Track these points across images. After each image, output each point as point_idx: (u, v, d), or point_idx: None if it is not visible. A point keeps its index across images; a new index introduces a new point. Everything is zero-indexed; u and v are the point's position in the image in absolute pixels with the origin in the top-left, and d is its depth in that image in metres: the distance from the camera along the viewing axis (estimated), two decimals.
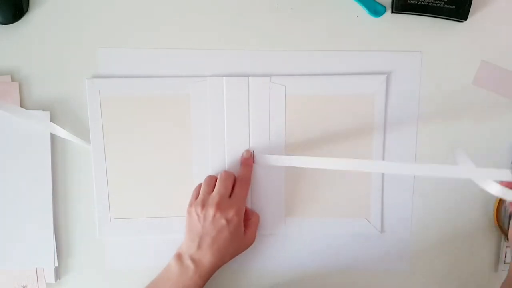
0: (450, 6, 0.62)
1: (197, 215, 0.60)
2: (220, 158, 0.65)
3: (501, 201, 0.66)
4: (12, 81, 0.64)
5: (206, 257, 0.60)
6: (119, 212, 0.66)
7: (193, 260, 0.60)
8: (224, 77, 0.64)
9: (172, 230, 0.66)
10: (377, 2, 0.63)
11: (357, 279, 0.67)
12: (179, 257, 0.61)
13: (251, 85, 0.64)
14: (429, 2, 0.62)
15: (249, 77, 0.64)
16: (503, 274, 0.67)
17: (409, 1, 0.62)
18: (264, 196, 0.66)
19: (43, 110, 0.64)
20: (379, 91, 0.64)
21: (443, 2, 0.62)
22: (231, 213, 0.60)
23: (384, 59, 0.64)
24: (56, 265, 0.66)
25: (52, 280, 0.66)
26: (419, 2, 0.62)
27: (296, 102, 0.64)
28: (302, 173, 0.65)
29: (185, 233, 0.62)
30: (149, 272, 0.66)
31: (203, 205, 0.61)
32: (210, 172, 0.65)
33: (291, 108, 0.64)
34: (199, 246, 0.60)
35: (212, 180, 0.63)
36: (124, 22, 0.64)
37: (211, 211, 0.60)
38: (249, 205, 0.66)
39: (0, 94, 0.64)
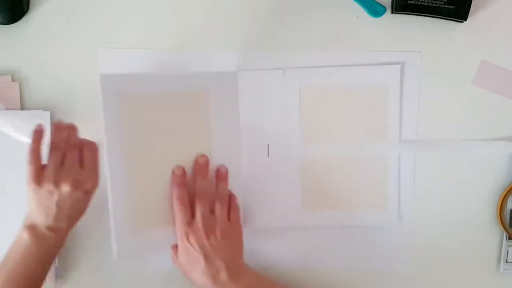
0: (450, 6, 0.62)
1: (49, 192, 0.56)
2: (235, 151, 0.64)
3: (505, 198, 0.66)
4: (12, 81, 0.64)
5: (64, 224, 0.58)
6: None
7: (51, 229, 0.57)
8: (238, 72, 0.64)
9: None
10: (377, 2, 0.63)
11: (357, 279, 0.67)
12: (32, 229, 0.57)
13: (265, 79, 0.64)
14: (429, 2, 0.62)
15: (263, 71, 0.64)
16: (505, 274, 0.67)
17: (409, 1, 0.62)
18: (280, 189, 0.65)
19: (44, 110, 0.64)
20: (394, 83, 0.64)
21: (443, 2, 0.62)
22: (88, 185, 0.57)
23: (384, 59, 0.64)
24: (57, 265, 0.66)
25: (52, 280, 0.66)
26: (419, 2, 0.62)
27: (310, 94, 0.64)
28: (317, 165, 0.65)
29: (32, 207, 0.57)
30: (150, 272, 0.66)
31: (55, 181, 0.56)
32: (226, 164, 0.63)
33: (305, 100, 0.64)
34: (55, 218, 0.57)
35: (58, 154, 0.57)
36: (125, 21, 0.64)
37: (66, 188, 0.56)
38: (261, 198, 0.66)
39: (0, 94, 0.63)
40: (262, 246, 0.66)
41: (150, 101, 0.60)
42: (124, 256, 0.59)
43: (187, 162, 0.61)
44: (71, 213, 0.58)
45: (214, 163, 0.63)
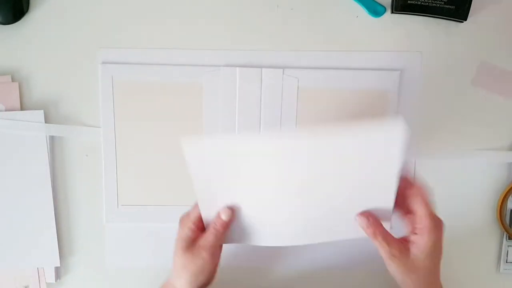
0: (450, 6, 0.62)
1: (201, 258, 0.56)
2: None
3: (505, 198, 0.66)
4: (12, 81, 0.64)
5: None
6: (127, 199, 0.66)
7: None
8: (237, 68, 0.64)
9: (178, 219, 0.65)
10: (377, 2, 0.63)
11: (357, 279, 0.67)
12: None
13: (264, 77, 0.64)
14: (429, 2, 0.62)
15: (263, 69, 0.64)
16: (505, 274, 0.67)
17: (409, 1, 0.62)
18: None
19: (44, 110, 0.64)
20: (392, 88, 0.64)
21: (443, 2, 0.62)
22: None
23: (384, 59, 0.64)
24: (58, 264, 0.66)
25: (52, 280, 0.66)
26: (419, 2, 0.62)
27: (308, 95, 0.64)
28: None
29: (177, 270, 0.57)
30: (149, 271, 0.66)
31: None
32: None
33: (303, 101, 0.64)
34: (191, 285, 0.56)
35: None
36: (126, 21, 0.64)
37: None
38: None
39: (0, 94, 0.63)
40: (254, 246, 0.66)
41: (146, 89, 0.64)
42: (110, 223, 0.66)
43: (176, 150, 0.62)
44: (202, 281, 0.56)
45: None
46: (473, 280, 0.67)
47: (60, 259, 0.66)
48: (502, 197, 0.66)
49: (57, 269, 0.66)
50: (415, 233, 0.53)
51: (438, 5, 0.62)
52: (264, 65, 0.64)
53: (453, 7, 0.62)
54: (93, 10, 0.64)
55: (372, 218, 0.55)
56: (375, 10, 0.63)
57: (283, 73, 0.64)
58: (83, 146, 0.65)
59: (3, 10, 0.62)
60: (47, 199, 0.65)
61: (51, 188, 0.65)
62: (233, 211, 0.56)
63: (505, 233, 0.66)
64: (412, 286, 0.54)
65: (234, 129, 0.65)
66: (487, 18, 0.64)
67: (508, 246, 0.66)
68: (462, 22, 0.63)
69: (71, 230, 0.66)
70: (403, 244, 0.54)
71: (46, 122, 0.64)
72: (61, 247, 0.66)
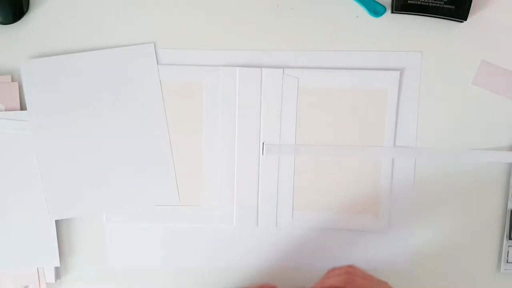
0: (450, 6, 0.62)
1: None
2: (230, 149, 0.65)
3: (505, 198, 0.66)
4: (12, 81, 0.64)
5: None
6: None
7: None
8: (237, 68, 0.64)
9: (178, 219, 0.66)
10: (377, 2, 0.63)
11: None
12: None
13: (264, 77, 0.64)
14: (429, 2, 0.62)
15: (263, 68, 0.64)
16: (506, 274, 0.67)
17: (409, 1, 0.62)
18: (272, 189, 0.65)
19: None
20: (392, 87, 0.64)
21: (443, 2, 0.62)
22: None
23: (384, 59, 0.64)
24: (58, 264, 0.66)
25: (52, 280, 0.66)
26: (419, 2, 0.62)
27: (308, 95, 0.64)
28: (311, 166, 0.65)
29: None
30: (149, 271, 0.66)
31: None
32: (220, 162, 0.65)
33: (303, 100, 0.64)
34: None
35: None
36: (126, 21, 0.64)
37: None
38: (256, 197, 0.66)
39: (0, 94, 0.64)
40: (254, 246, 0.67)
41: None
42: (110, 223, 0.66)
43: (176, 153, 0.65)
44: None
45: (203, 158, 0.65)
46: (473, 280, 0.67)
47: (60, 259, 0.66)
48: (502, 197, 0.66)
49: (57, 269, 0.66)
50: None
51: (438, 5, 0.62)
52: (264, 65, 0.64)
53: (453, 7, 0.62)
54: (93, 10, 0.64)
55: None
56: (375, 10, 0.63)
57: (283, 73, 0.64)
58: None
59: (3, 10, 0.62)
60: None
61: None
62: None
63: (505, 233, 0.66)
64: None
65: (233, 129, 0.65)
66: (487, 18, 0.64)
67: (508, 246, 0.66)
68: (462, 22, 0.63)
69: (71, 230, 0.66)
70: None
71: None
72: (61, 247, 0.66)
